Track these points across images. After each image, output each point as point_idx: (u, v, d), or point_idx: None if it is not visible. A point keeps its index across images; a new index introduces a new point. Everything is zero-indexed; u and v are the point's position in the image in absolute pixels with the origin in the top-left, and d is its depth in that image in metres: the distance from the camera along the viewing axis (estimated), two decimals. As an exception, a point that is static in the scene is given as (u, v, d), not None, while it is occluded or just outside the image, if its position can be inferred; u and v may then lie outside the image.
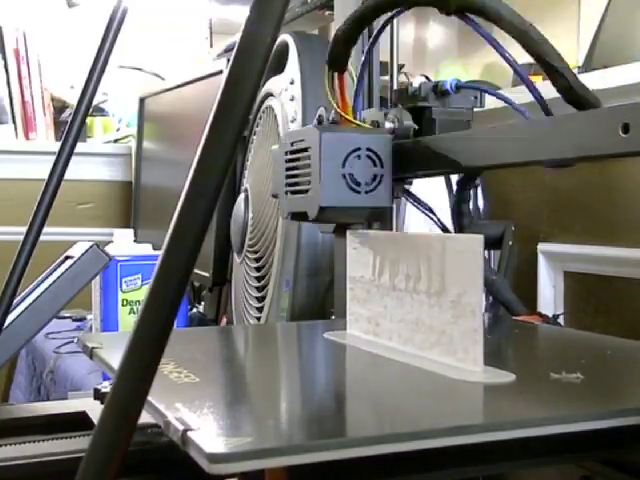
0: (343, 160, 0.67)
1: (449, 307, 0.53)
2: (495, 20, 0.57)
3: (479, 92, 0.76)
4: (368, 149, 0.67)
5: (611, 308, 1.03)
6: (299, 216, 0.72)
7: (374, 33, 0.73)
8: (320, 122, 0.83)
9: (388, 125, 0.74)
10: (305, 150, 0.69)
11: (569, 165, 0.60)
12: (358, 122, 0.73)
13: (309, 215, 0.69)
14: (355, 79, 0.76)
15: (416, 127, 0.74)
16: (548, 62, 0.55)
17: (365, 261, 0.64)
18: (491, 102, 0.78)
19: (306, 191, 0.69)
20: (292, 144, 0.72)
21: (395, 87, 0.93)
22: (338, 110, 0.72)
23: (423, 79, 0.92)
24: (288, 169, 0.74)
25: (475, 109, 0.76)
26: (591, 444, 0.45)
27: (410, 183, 0.79)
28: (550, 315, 0.86)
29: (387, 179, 0.68)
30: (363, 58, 0.76)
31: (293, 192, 0.73)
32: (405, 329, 0.58)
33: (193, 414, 0.40)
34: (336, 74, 0.72)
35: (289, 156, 0.73)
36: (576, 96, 0.55)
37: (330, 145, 0.67)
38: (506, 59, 0.61)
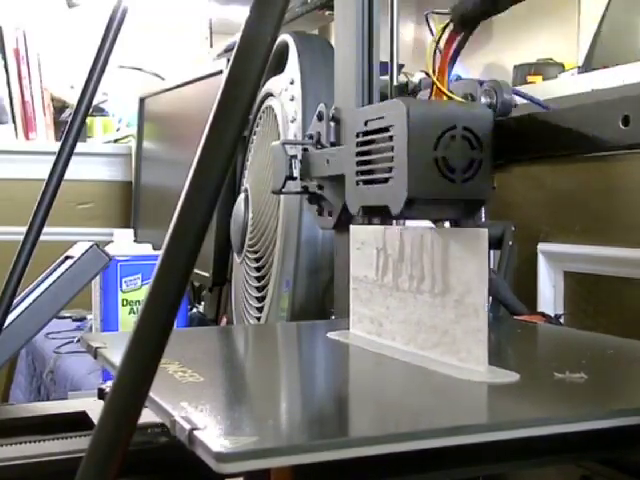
0: (435, 141, 0.55)
1: (452, 307, 0.53)
2: None
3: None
4: (465, 128, 0.55)
5: (611, 308, 1.03)
6: (375, 211, 0.61)
7: None
8: (320, 119, 0.82)
9: (484, 100, 0.62)
10: (385, 130, 0.57)
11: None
12: (452, 94, 0.61)
13: (392, 209, 0.57)
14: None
15: (517, 103, 0.63)
16: None
17: (368, 261, 0.64)
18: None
19: (385, 180, 0.58)
20: (366, 123, 0.60)
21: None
22: (433, 77, 0.60)
23: (423, 75, 0.92)
24: (360, 154, 0.61)
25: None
26: (591, 444, 0.45)
27: (509, 171, 0.70)
28: (552, 315, 0.86)
29: (487, 165, 0.56)
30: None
31: (367, 182, 0.61)
32: (408, 329, 0.58)
33: (199, 413, 0.40)
34: (459, 34, 0.60)
35: (361, 138, 0.61)
36: None
37: (419, 122, 0.55)
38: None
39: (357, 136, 0.62)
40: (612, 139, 0.49)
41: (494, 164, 0.57)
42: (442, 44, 0.60)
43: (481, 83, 0.63)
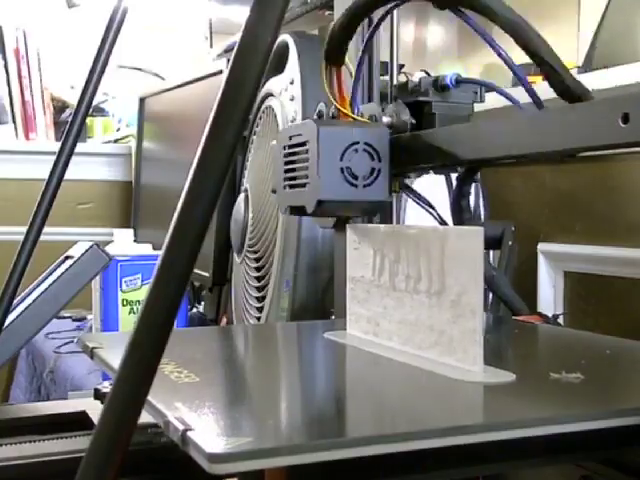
0: (341, 154, 0.67)
1: (449, 307, 0.53)
2: (488, 14, 0.57)
3: (479, 87, 0.76)
4: (366, 143, 0.67)
5: (611, 308, 1.03)
6: (297, 210, 0.72)
7: (372, 26, 0.73)
8: (320, 117, 0.83)
9: (386, 119, 0.74)
10: (303, 144, 0.69)
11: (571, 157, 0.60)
12: (356, 116, 0.74)
13: (307, 209, 0.69)
14: (353, 74, 0.76)
15: (414, 121, 0.74)
16: (540, 56, 0.55)
17: (365, 261, 0.64)
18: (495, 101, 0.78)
19: (304, 185, 0.69)
20: (290, 138, 0.72)
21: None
22: (336, 104, 0.72)
23: (423, 74, 0.91)
24: (286, 163, 0.74)
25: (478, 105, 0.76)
26: (591, 444, 0.45)
27: (408, 177, 0.79)
28: (550, 315, 0.86)
29: (385, 173, 0.68)
30: (360, 53, 0.76)
31: (292, 186, 0.73)
32: (405, 329, 0.58)
33: (193, 414, 0.40)
34: (334, 68, 0.72)
35: (287, 150, 0.73)
36: (569, 90, 0.55)
37: (328, 139, 0.67)
38: (496, 51, 0.60)
39: (284, 148, 0.74)
40: (612, 137, 0.49)
41: (392, 172, 0.69)
42: (334, 82, 0.72)
43: (384, 108, 0.75)
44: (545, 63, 0.55)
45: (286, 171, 0.74)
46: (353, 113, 0.73)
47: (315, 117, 0.76)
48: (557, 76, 0.55)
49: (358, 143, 0.67)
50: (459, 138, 0.63)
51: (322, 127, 0.67)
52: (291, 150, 0.73)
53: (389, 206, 0.84)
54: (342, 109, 0.72)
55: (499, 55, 0.61)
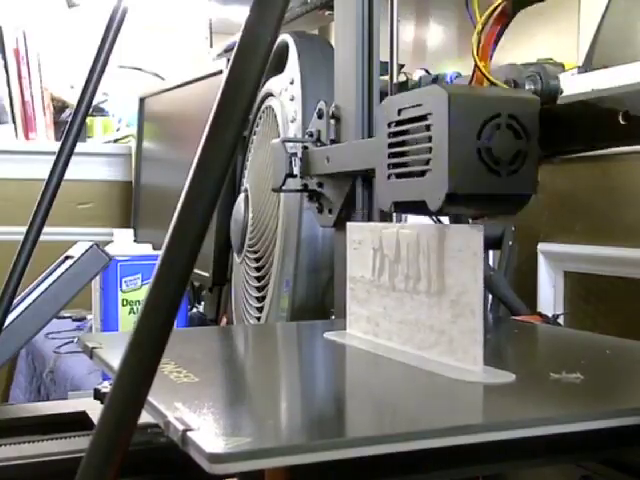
0: (478, 131, 0.50)
1: (449, 307, 0.53)
2: None
3: None
4: (511, 116, 0.51)
5: (611, 308, 1.03)
6: (411, 207, 0.56)
7: None
8: (320, 116, 0.82)
9: (528, 86, 0.58)
10: (423, 118, 0.53)
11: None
12: (496, 80, 0.57)
13: (430, 205, 0.52)
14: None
15: (563, 90, 0.59)
16: None
17: (365, 261, 0.64)
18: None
19: (423, 173, 0.53)
20: (399, 112, 0.56)
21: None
22: (477, 60, 0.56)
23: (423, 72, 0.92)
24: (393, 145, 0.57)
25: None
26: (591, 444, 0.45)
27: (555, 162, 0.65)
28: (550, 315, 0.86)
29: (533, 157, 0.52)
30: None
31: (400, 175, 0.56)
32: (405, 329, 0.58)
33: (193, 414, 0.40)
34: (504, 19, 0.56)
35: (394, 128, 0.56)
36: None
37: (461, 110, 0.50)
38: None
39: (389, 126, 0.57)
40: (613, 134, 0.49)
41: (541, 155, 0.53)
42: (487, 28, 0.57)
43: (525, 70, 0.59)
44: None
45: (392, 155, 0.57)
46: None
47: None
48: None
49: (500, 116, 0.51)
50: (601, 112, 0.50)
51: (454, 93, 0.50)
52: (401, 127, 0.56)
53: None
54: (483, 69, 0.56)
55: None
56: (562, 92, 0.58)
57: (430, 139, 0.52)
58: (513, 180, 0.51)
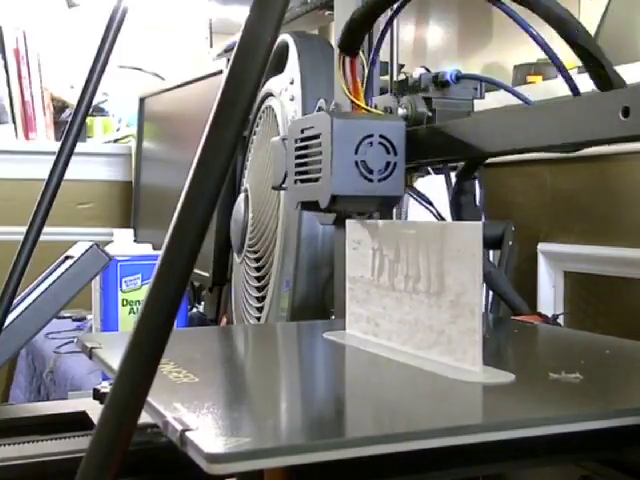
0: (356, 147, 0.65)
1: (448, 307, 0.53)
2: (529, 4, 0.55)
3: (479, 83, 0.75)
4: (381, 136, 0.65)
5: (611, 308, 1.03)
6: (309, 205, 0.70)
7: (389, 15, 0.71)
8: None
9: (401, 112, 0.72)
10: (316, 137, 0.67)
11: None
12: (370, 108, 0.71)
13: (320, 204, 0.67)
14: (366, 66, 0.75)
15: (430, 114, 0.73)
16: (582, 46, 0.53)
17: (364, 261, 0.64)
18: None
19: (317, 179, 0.67)
20: (302, 131, 0.70)
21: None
22: (349, 96, 0.70)
23: (423, 71, 0.91)
24: (298, 157, 0.71)
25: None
26: (591, 444, 0.45)
27: (422, 172, 0.78)
28: (550, 315, 0.86)
29: (400, 167, 0.66)
30: (375, 43, 0.75)
31: (303, 181, 0.70)
32: (404, 329, 0.58)
33: (192, 414, 0.40)
34: (348, 59, 0.70)
35: (299, 144, 0.71)
36: (608, 80, 0.53)
37: (342, 131, 0.65)
38: (537, 42, 0.58)
39: (295, 142, 0.71)
40: (612, 131, 0.49)
41: (407, 166, 0.66)
42: (347, 73, 0.71)
43: (399, 100, 0.74)
44: (587, 54, 0.53)
45: (297, 165, 0.71)
46: (367, 105, 0.71)
47: (316, 111, 0.75)
48: (597, 67, 0.53)
49: (373, 136, 0.65)
50: (484, 129, 0.60)
51: (336, 119, 0.65)
52: (303, 143, 0.70)
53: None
54: (356, 101, 0.70)
55: (538, 43, 0.58)
56: (429, 117, 0.73)
57: (321, 153, 0.66)
58: (384, 185, 0.66)
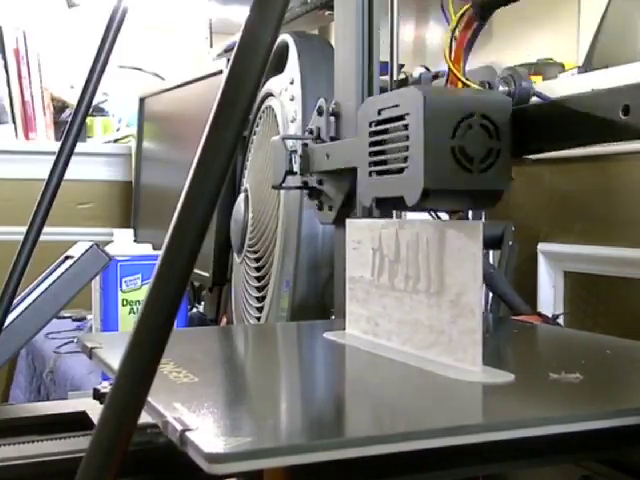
0: (453, 130, 0.53)
1: (448, 307, 0.53)
2: None
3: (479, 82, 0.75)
4: (483, 116, 0.54)
5: (611, 308, 1.03)
6: (390, 202, 0.59)
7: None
8: (320, 114, 0.82)
9: (501, 88, 0.62)
10: (400, 118, 0.56)
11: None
12: (469, 82, 0.59)
13: (407, 200, 0.55)
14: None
15: (536, 91, 0.63)
16: None
17: (365, 261, 0.64)
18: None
19: (401, 170, 0.56)
20: (379, 112, 0.59)
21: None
22: (449, 63, 0.59)
23: (423, 70, 0.91)
24: (374, 143, 0.60)
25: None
26: (591, 444, 0.45)
27: (529, 160, 0.66)
28: (550, 315, 0.86)
29: (505, 155, 0.54)
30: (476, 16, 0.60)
31: (381, 172, 0.59)
32: (404, 329, 0.58)
33: (192, 414, 0.40)
34: (474, 22, 0.58)
35: (375, 127, 0.60)
36: None
37: (436, 110, 0.53)
38: None
39: (370, 125, 0.60)
40: (612, 129, 0.49)
41: (513, 153, 0.55)
42: (458, 32, 0.59)
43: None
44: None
45: (373, 153, 0.60)
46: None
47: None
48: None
49: (473, 116, 0.53)
50: (601, 106, 0.50)
51: (429, 94, 0.53)
52: (381, 127, 0.59)
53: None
54: (455, 70, 0.59)
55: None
56: (534, 94, 0.61)
57: (407, 138, 0.55)
58: (485, 177, 0.54)
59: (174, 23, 2.54)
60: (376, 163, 0.60)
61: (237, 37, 0.31)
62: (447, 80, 0.60)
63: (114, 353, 0.57)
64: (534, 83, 1.21)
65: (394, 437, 0.38)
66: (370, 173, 0.60)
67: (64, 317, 1.61)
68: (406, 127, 0.55)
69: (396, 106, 0.56)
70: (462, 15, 0.59)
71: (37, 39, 2.13)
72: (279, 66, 1.12)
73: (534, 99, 0.65)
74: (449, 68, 0.59)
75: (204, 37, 2.27)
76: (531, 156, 1.11)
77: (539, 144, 0.57)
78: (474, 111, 0.53)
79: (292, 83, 1.07)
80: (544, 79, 1.22)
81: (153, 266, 0.30)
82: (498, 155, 0.54)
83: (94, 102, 0.67)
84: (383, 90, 0.85)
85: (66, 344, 1.41)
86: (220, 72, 1.34)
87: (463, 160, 0.53)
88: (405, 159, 0.55)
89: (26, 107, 2.10)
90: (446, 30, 0.60)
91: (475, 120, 0.53)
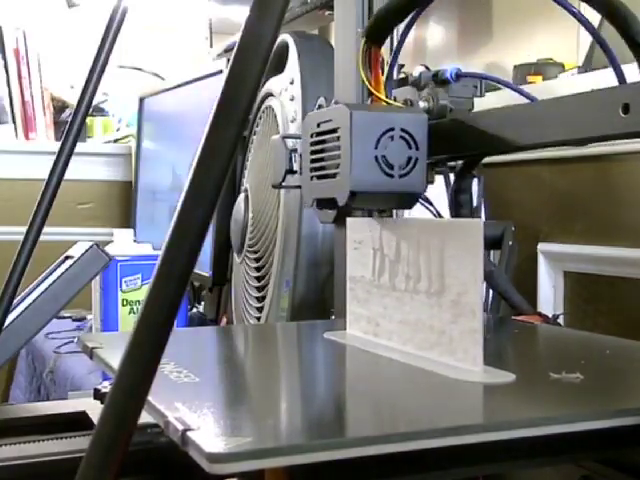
0: (376, 141, 0.61)
1: (449, 307, 0.53)
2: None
3: (479, 81, 0.75)
4: (403, 129, 0.62)
5: (611, 308, 1.03)
6: (326, 203, 0.67)
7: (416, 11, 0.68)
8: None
9: (422, 104, 0.70)
10: (334, 131, 0.64)
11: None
12: (391, 101, 0.68)
13: (338, 201, 0.64)
14: (389, 58, 0.72)
15: (452, 107, 0.70)
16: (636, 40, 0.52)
17: (365, 261, 0.64)
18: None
19: (334, 175, 0.64)
20: (318, 125, 0.67)
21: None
22: (370, 87, 0.67)
23: (423, 69, 0.91)
24: (314, 152, 0.68)
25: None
26: (591, 444, 0.45)
27: (445, 168, 0.75)
28: (550, 315, 0.86)
29: (422, 162, 0.63)
30: (400, 36, 0.71)
31: (319, 177, 0.67)
32: (405, 329, 0.58)
33: (193, 414, 0.40)
34: (373, 49, 0.67)
35: (315, 138, 0.68)
36: None
37: (362, 125, 0.61)
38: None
39: (311, 136, 0.68)
40: (612, 127, 0.49)
41: (429, 161, 0.63)
42: (370, 63, 0.68)
43: (419, 93, 0.72)
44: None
45: (313, 160, 0.68)
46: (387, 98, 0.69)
47: (315, 109, 0.72)
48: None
49: (394, 129, 0.62)
50: (516, 120, 0.57)
51: (355, 112, 0.62)
52: (319, 138, 0.67)
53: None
54: (376, 93, 0.67)
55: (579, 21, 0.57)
56: (451, 110, 0.70)
57: (339, 148, 0.63)
58: (405, 181, 0.63)
59: (174, 23, 2.54)
60: (316, 169, 0.68)
61: (237, 37, 0.31)
62: (371, 100, 0.69)
63: (115, 353, 0.57)
64: (533, 83, 1.21)
65: (394, 437, 0.38)
66: (311, 177, 0.69)
67: (64, 317, 1.61)
68: (338, 138, 0.63)
69: (330, 120, 0.65)
70: (364, 47, 0.68)
71: (37, 39, 2.13)
72: (279, 66, 1.12)
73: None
74: (370, 93, 0.69)
75: (204, 37, 2.27)
76: (531, 156, 1.11)
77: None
78: (394, 125, 0.62)
79: (292, 83, 1.07)
80: (544, 79, 1.22)
81: (153, 266, 0.30)
82: (416, 163, 0.63)
83: (94, 102, 0.67)
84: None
85: (66, 344, 1.41)
86: (220, 72, 1.34)
87: (385, 167, 0.62)
88: (337, 166, 0.63)
89: (26, 107, 2.10)
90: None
91: (396, 133, 0.62)
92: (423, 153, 0.63)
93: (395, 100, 0.70)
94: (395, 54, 0.71)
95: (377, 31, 0.68)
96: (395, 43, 0.74)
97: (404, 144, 0.62)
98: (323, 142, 0.67)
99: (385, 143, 0.62)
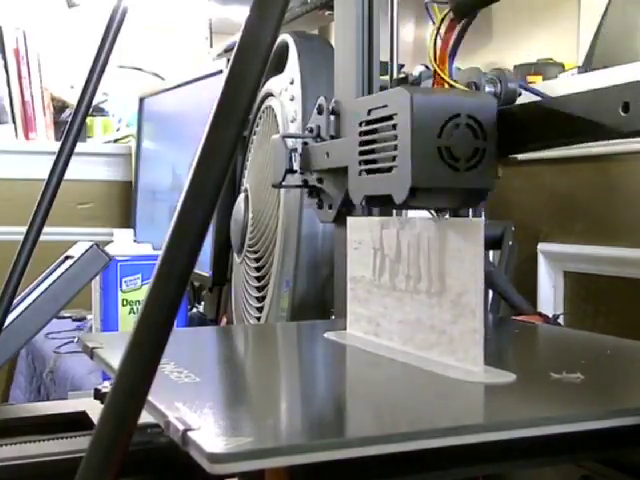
0: (439, 130, 0.54)
1: (449, 307, 0.53)
2: None
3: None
4: (469, 116, 0.55)
5: (611, 308, 1.03)
6: (379, 200, 0.60)
7: None
8: (320, 112, 0.82)
9: (489, 89, 0.62)
10: (389, 118, 0.57)
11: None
12: (455, 83, 0.60)
13: (395, 198, 0.56)
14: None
15: (521, 91, 0.63)
16: None
17: (365, 261, 0.64)
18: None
19: (389, 169, 0.57)
20: (369, 112, 0.60)
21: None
22: (434, 64, 0.60)
23: (423, 68, 0.91)
24: (364, 143, 0.61)
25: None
26: (591, 444, 0.45)
27: (515, 160, 0.71)
28: (550, 315, 0.86)
29: (491, 154, 0.55)
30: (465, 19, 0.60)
31: (371, 171, 0.60)
32: (405, 329, 0.58)
33: (194, 414, 0.40)
34: (455, 23, 0.59)
35: (364, 127, 0.61)
36: None
37: (423, 111, 0.54)
38: None
39: (360, 125, 0.61)
40: (612, 126, 0.49)
41: (498, 153, 0.56)
42: (442, 33, 0.60)
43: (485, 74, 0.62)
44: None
45: (363, 153, 0.61)
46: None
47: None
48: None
49: (459, 116, 0.54)
50: (601, 104, 0.50)
51: (416, 95, 0.54)
52: (370, 127, 0.60)
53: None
54: (440, 72, 0.59)
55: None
56: (520, 94, 0.62)
57: (396, 137, 0.56)
58: (471, 175, 0.55)
59: (174, 23, 2.54)
60: (366, 162, 0.61)
61: (237, 37, 0.31)
62: (434, 82, 0.61)
63: (115, 353, 0.57)
64: (533, 83, 1.21)
65: (394, 437, 0.38)
66: (360, 172, 0.61)
67: (64, 317, 1.61)
68: (394, 127, 0.56)
69: (385, 106, 0.57)
70: (444, 17, 0.59)
71: (37, 39, 2.13)
72: (279, 66, 1.12)
73: (535, 98, 0.65)
74: (434, 70, 0.60)
75: (204, 37, 2.27)
76: (531, 156, 1.11)
77: (524, 143, 0.57)
78: (460, 111, 0.54)
79: (292, 83, 1.07)
80: (544, 79, 1.22)
81: (153, 266, 0.30)
82: (484, 154, 0.55)
83: (94, 102, 0.67)
84: (383, 89, 0.85)
85: (66, 344, 1.41)
86: (220, 72, 1.34)
87: (449, 159, 0.54)
88: (394, 158, 0.56)
89: (26, 107, 2.10)
90: (443, 29, 0.60)
91: (461, 120, 0.55)
92: (492, 143, 0.55)
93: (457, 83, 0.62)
94: (459, 35, 0.60)
95: (469, 5, 0.59)
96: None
97: (470, 133, 0.55)
98: (375, 131, 0.59)
99: (449, 132, 0.54)
